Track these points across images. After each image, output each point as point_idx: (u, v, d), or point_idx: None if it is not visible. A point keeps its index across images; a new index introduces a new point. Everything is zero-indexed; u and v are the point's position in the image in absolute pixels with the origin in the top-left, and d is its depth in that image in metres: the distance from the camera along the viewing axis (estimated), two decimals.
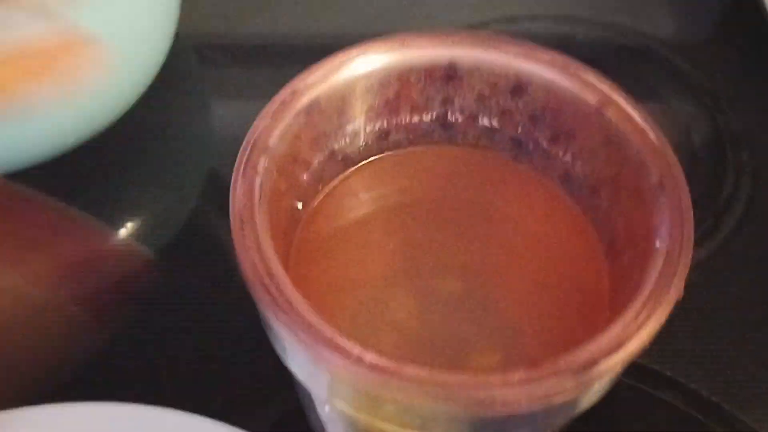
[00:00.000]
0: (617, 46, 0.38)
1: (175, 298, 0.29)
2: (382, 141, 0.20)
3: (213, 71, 0.37)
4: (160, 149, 0.34)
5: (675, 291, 0.14)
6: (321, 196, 0.19)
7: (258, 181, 0.16)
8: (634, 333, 0.14)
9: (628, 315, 0.14)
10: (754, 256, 0.29)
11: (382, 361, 0.14)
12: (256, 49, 0.38)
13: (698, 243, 0.30)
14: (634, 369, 0.26)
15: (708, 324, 0.28)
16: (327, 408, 0.17)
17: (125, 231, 0.31)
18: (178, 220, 0.32)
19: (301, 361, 0.15)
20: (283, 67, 0.36)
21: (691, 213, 0.16)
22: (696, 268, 0.29)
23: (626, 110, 0.17)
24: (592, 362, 0.13)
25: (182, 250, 0.30)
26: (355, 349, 0.14)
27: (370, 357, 0.14)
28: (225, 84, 0.37)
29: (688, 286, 0.28)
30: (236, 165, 0.16)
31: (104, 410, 0.22)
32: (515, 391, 0.13)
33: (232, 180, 0.16)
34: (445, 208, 0.20)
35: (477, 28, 0.38)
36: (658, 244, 0.15)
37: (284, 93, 0.17)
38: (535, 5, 0.39)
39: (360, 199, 0.20)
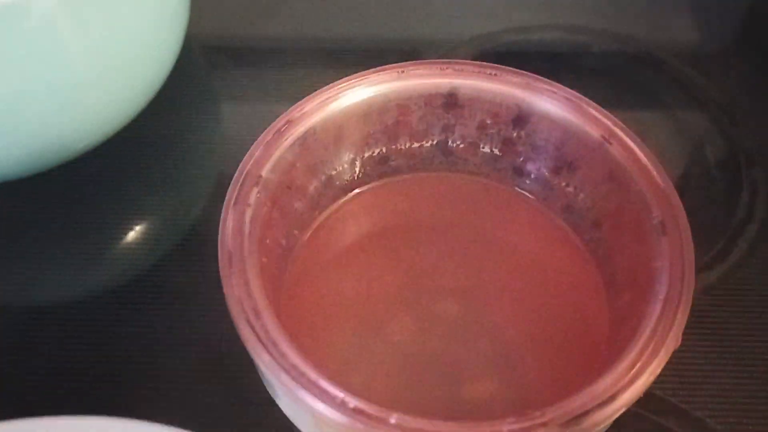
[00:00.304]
0: (631, 58, 0.37)
1: (182, 302, 0.29)
2: (381, 166, 0.20)
3: (222, 75, 0.37)
4: (169, 153, 0.34)
5: (672, 341, 0.14)
6: (317, 223, 0.19)
7: (249, 213, 0.16)
8: (628, 386, 0.13)
9: (622, 365, 0.14)
10: (767, 282, 0.29)
11: (367, 407, 0.13)
12: (265, 53, 0.38)
13: (709, 266, 0.29)
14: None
15: (717, 350, 0.27)
16: None
17: (134, 234, 0.31)
18: (187, 225, 0.32)
19: (286, 401, 0.15)
20: (291, 71, 0.36)
21: (693, 258, 0.15)
22: (706, 291, 0.28)
23: (630, 146, 0.17)
24: (582, 414, 0.13)
25: (190, 254, 0.30)
26: (339, 394, 0.13)
27: (354, 402, 0.13)
28: (234, 88, 0.37)
29: (698, 310, 0.27)
30: (227, 198, 0.16)
31: (98, 424, 0.22)
32: None
33: (222, 213, 0.15)
34: (444, 234, 0.20)
35: (490, 37, 0.37)
36: (657, 290, 0.15)
37: (279, 122, 0.17)
38: (549, 15, 0.38)
39: (358, 224, 0.20)
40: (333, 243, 0.19)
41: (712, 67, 0.37)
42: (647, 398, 0.25)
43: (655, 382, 0.27)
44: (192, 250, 0.30)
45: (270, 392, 0.16)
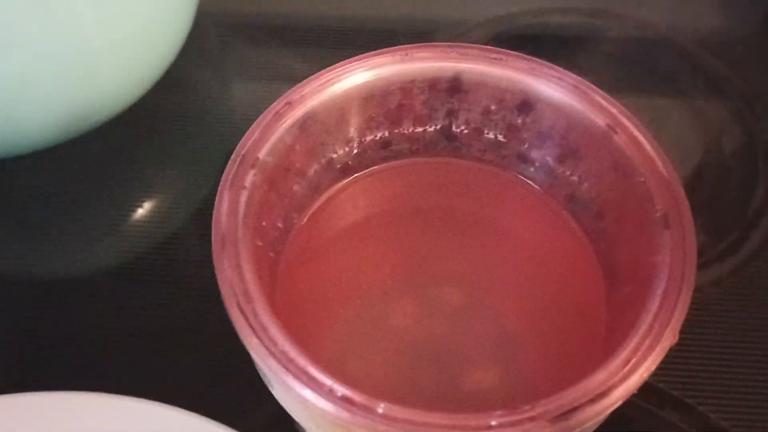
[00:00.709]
0: (649, 44, 0.37)
1: (189, 278, 0.29)
2: (383, 150, 0.19)
3: (233, 53, 0.37)
4: (180, 129, 0.34)
5: (669, 338, 0.14)
6: (316, 206, 0.19)
7: (245, 196, 0.15)
8: (620, 383, 0.13)
9: (616, 361, 0.13)
10: None
11: (354, 396, 0.13)
12: (276, 32, 0.38)
13: (721, 258, 0.29)
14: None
15: (725, 344, 0.27)
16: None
17: (144, 210, 0.32)
18: (196, 201, 0.32)
19: (276, 387, 0.15)
20: (302, 50, 0.36)
21: (695, 253, 0.15)
22: (717, 284, 0.28)
23: (635, 136, 0.17)
24: (572, 410, 0.13)
25: (199, 229, 0.31)
26: (327, 382, 0.13)
27: (341, 391, 0.13)
28: (245, 66, 0.37)
29: (707, 303, 0.27)
30: (222, 180, 0.16)
31: (106, 402, 0.22)
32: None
33: (217, 196, 0.15)
34: (446, 220, 0.20)
35: (507, 19, 0.37)
36: (657, 284, 0.14)
37: (278, 104, 0.17)
38: None
39: (358, 208, 0.20)
40: (332, 227, 0.19)
41: (733, 55, 0.36)
42: (652, 391, 0.25)
43: (659, 375, 0.26)
44: (201, 226, 0.30)
45: (263, 378, 0.15)
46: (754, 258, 0.29)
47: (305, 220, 0.19)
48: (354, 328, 0.18)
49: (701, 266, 0.28)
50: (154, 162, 0.33)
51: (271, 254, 0.17)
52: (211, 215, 0.31)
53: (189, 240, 0.31)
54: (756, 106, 0.34)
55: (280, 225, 0.18)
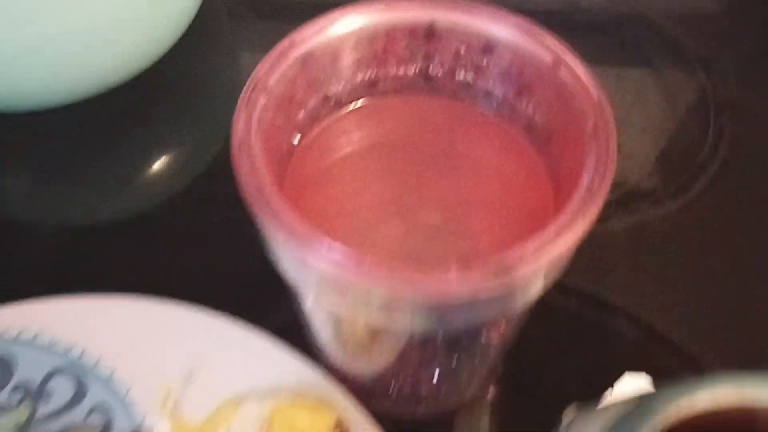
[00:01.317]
0: (620, 15, 0.40)
1: (201, 228, 0.33)
2: (370, 89, 0.23)
3: (241, 25, 0.40)
4: (191, 93, 0.38)
5: (588, 219, 0.18)
6: (315, 133, 0.23)
7: (256, 115, 0.19)
8: (550, 244, 0.17)
9: (550, 229, 0.17)
10: (719, 217, 0.32)
11: (347, 251, 0.17)
12: (282, 4, 0.41)
13: (674, 196, 0.32)
14: (597, 304, 0.29)
15: (674, 264, 0.31)
16: (309, 303, 0.21)
17: (156, 167, 0.35)
18: (207, 159, 0.36)
19: (286, 260, 0.19)
20: (307, 21, 0.39)
21: (615, 156, 0.19)
22: (667, 219, 0.32)
23: (575, 70, 0.20)
24: (512, 266, 0.17)
25: (210, 185, 0.34)
26: (325, 242, 0.17)
27: (338, 247, 0.17)
28: (252, 37, 0.40)
29: (659, 233, 0.31)
30: (239, 101, 0.19)
31: (142, 305, 0.26)
32: (449, 284, 0.17)
33: (235, 114, 0.19)
34: (425, 150, 0.24)
35: None
36: (584, 177, 0.18)
37: (283, 43, 0.20)
38: None
39: (350, 138, 0.23)
40: (327, 155, 0.23)
41: (697, 26, 0.40)
42: (604, 305, 0.29)
43: (614, 291, 0.30)
44: (212, 181, 0.34)
45: (273, 260, 0.19)
46: (701, 198, 0.32)
47: (303, 146, 0.23)
48: (348, 241, 0.22)
49: (654, 203, 0.32)
50: (168, 121, 0.37)
51: (277, 172, 0.21)
52: (221, 172, 0.35)
53: (199, 194, 0.34)
54: (712, 70, 0.38)
55: (283, 147, 0.22)
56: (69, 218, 0.34)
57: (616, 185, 0.32)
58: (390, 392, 0.25)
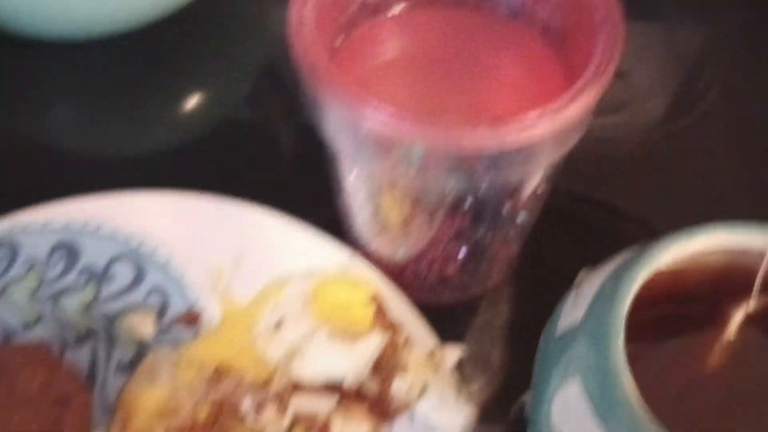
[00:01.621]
0: None
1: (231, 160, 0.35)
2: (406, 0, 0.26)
3: None
4: (224, 33, 0.40)
5: (598, 88, 0.21)
6: (352, 38, 0.25)
7: (308, 8, 0.22)
8: (566, 107, 0.20)
9: (565, 96, 0.20)
10: (718, 136, 0.35)
11: (392, 109, 0.20)
12: None
13: (674, 119, 0.35)
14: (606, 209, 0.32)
15: (671, 175, 0.34)
16: (352, 177, 0.24)
17: (191, 102, 0.37)
18: (238, 98, 0.38)
19: (335, 125, 0.21)
20: None
21: (621, 41, 0.21)
22: (669, 138, 0.35)
23: None
24: (534, 123, 0.20)
25: (240, 125, 0.37)
26: (373, 102, 0.20)
27: (384, 107, 0.20)
28: None
29: (660, 151, 0.34)
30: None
31: (195, 200, 0.29)
32: (480, 137, 0.20)
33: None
34: (450, 58, 0.26)
35: None
36: (594, 56, 0.21)
37: None
38: None
39: (384, 47, 0.26)
40: (360, 63, 0.26)
41: None
42: (611, 209, 0.32)
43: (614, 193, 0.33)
44: (240, 123, 0.36)
45: (319, 126, 0.22)
46: (699, 122, 0.35)
47: (344, 48, 0.25)
48: None
49: (657, 126, 0.35)
50: (201, 59, 0.39)
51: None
52: (249, 114, 0.37)
53: (230, 131, 0.36)
54: (712, 22, 0.40)
55: (327, 45, 0.24)
56: (109, 150, 0.36)
57: (622, 105, 0.35)
58: (420, 275, 0.27)
